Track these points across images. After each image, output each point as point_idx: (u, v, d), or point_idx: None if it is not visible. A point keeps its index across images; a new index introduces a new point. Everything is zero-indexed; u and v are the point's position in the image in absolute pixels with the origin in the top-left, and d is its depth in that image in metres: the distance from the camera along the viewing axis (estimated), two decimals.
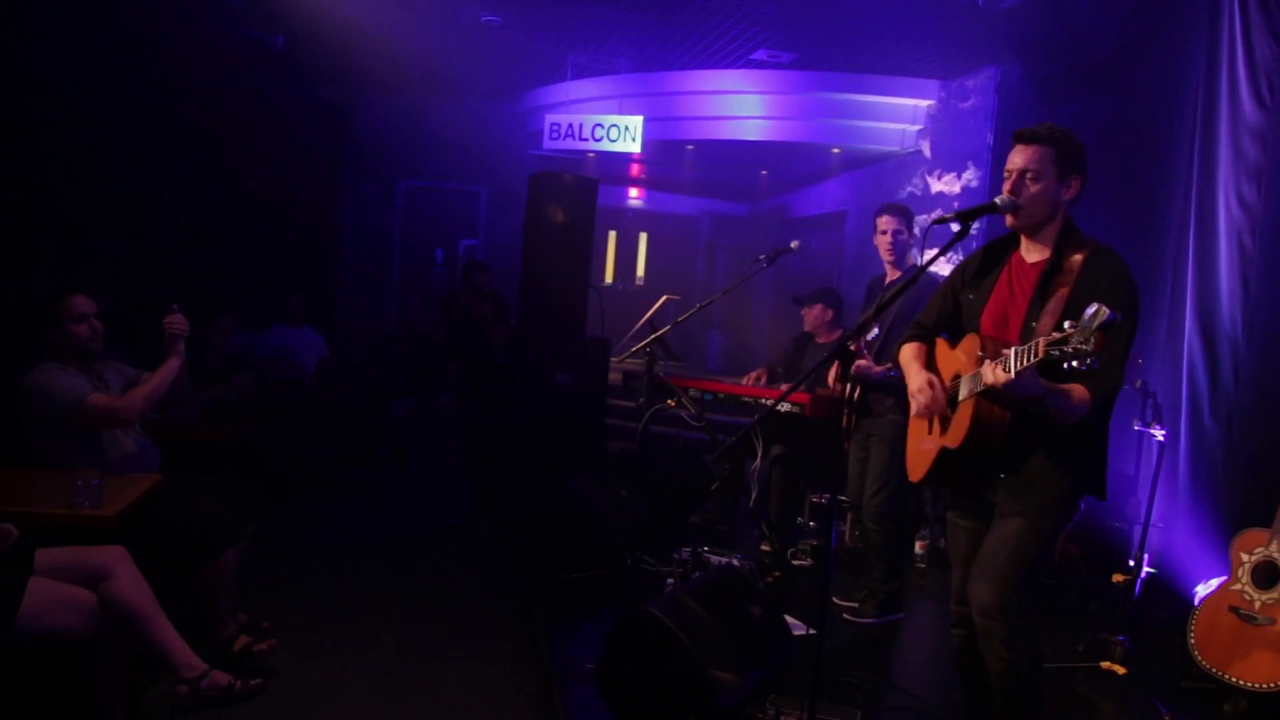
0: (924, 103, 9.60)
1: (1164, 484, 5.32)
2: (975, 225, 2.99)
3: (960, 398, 2.90)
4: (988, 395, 2.77)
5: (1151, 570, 5.27)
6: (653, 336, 5.38)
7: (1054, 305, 2.77)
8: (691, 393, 5.75)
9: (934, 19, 7.65)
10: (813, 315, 5.85)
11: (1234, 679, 3.99)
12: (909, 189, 9.74)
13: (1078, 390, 2.68)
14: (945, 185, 9.22)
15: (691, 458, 6.14)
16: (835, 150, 10.45)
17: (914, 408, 3.08)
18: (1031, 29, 6.11)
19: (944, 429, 2.99)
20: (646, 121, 10.36)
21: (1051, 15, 5.87)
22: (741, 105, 10.20)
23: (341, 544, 5.86)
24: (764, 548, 5.74)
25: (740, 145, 10.66)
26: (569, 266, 7.40)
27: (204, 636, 3.88)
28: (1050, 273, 2.86)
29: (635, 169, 13.60)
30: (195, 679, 3.46)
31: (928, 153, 9.54)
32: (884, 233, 4.77)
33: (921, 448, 3.18)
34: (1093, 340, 2.33)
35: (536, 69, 10.93)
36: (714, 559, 4.98)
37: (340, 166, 11.58)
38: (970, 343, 2.94)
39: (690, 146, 11.17)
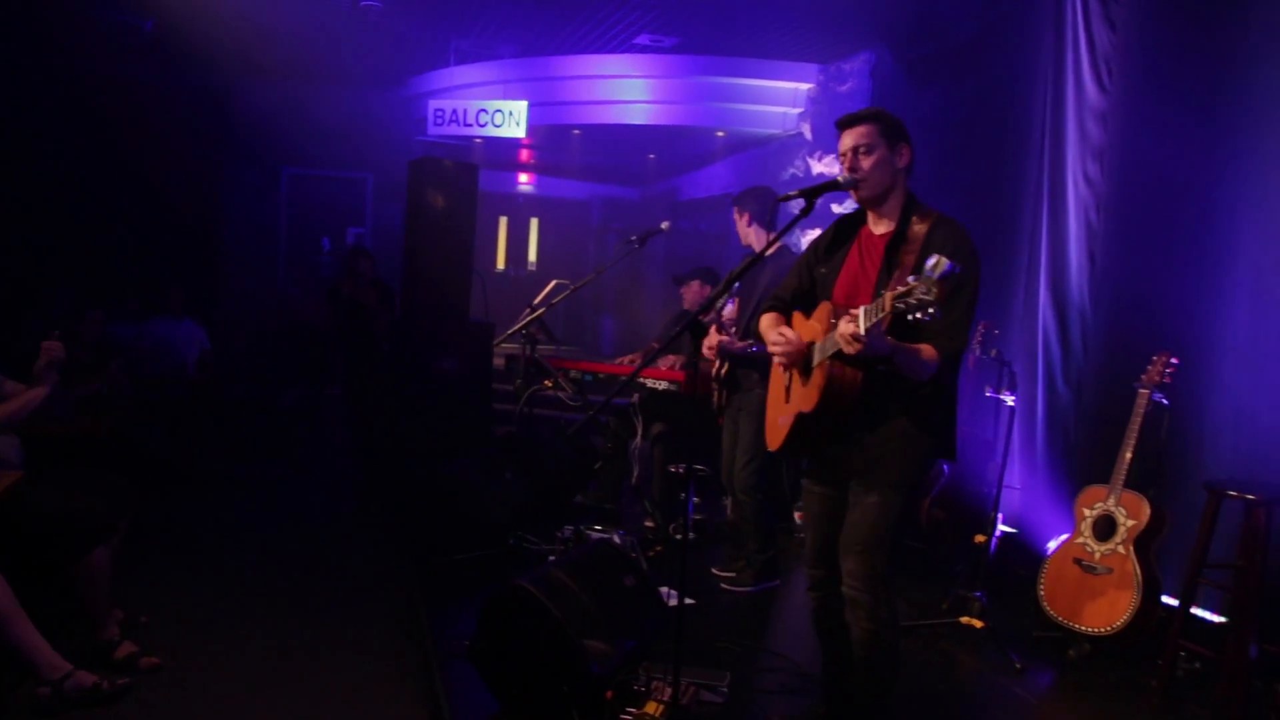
0: (804, 86, 9.81)
1: (1023, 448, 5.61)
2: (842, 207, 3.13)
3: (814, 363, 3.03)
4: (840, 358, 2.90)
5: (1011, 529, 5.56)
6: (528, 319, 5.43)
7: (900, 274, 2.91)
8: (571, 374, 5.83)
9: (810, 4, 7.84)
10: (691, 293, 5.99)
11: (1078, 625, 4.25)
12: (791, 170, 9.96)
13: (926, 349, 2.82)
14: (825, 166, 9.45)
15: (576, 439, 6.23)
16: (720, 133, 10.62)
17: (775, 360, 3.21)
18: (894, 13, 6.32)
19: (800, 397, 3.12)
20: (531, 106, 10.37)
21: (915, 1, 6.09)
22: (626, 89, 10.29)
23: (225, 537, 5.80)
24: (647, 524, 5.87)
25: (627, 129, 10.75)
26: (451, 252, 7.41)
27: (83, 637, 3.82)
28: (895, 242, 3.01)
29: (524, 154, 13.59)
30: (58, 680, 3.40)
31: (809, 135, 9.76)
32: (740, 216, 4.91)
33: (778, 419, 3.31)
34: (934, 290, 2.41)
35: (420, 54, 10.82)
36: (595, 535, 5.09)
37: (220, 154, 11.32)
38: (823, 310, 3.07)
39: (577, 131, 11.22)
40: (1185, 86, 4.70)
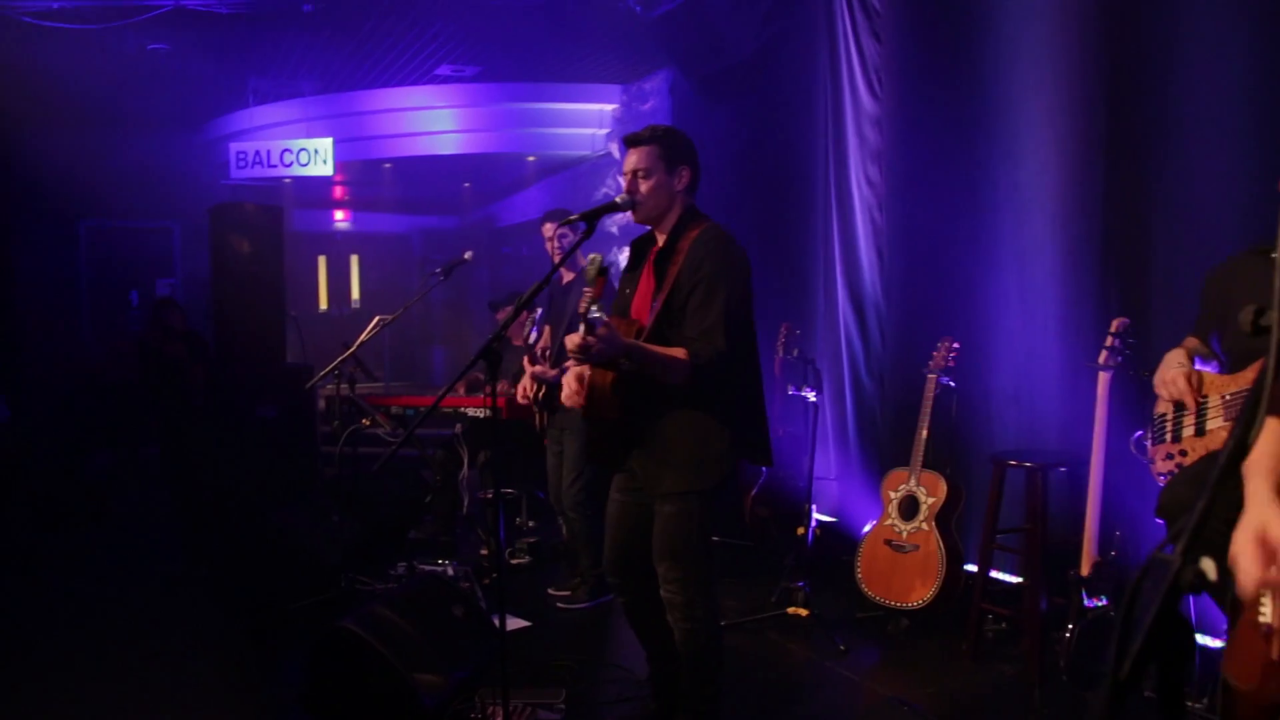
0: (608, 107, 10.02)
1: (837, 440, 5.89)
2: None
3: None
4: (593, 364, 3.05)
5: (831, 519, 5.82)
6: (342, 359, 5.38)
7: (666, 284, 3.07)
8: (393, 410, 5.80)
9: (605, 27, 8.03)
10: (505, 318, 6.03)
11: (894, 602, 4.51)
12: (604, 190, 10.14)
13: (675, 352, 2.98)
14: None
15: (404, 475, 6.20)
16: (531, 158, 10.74)
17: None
18: (681, 35, 6.57)
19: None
20: (338, 143, 10.24)
21: (696, 22, 6.34)
22: (434, 120, 10.29)
23: (42, 613, 5.49)
24: (483, 551, 5.88)
25: (438, 160, 10.75)
26: (262, 297, 7.25)
27: None
28: (663, 256, 3.16)
29: (338, 191, 13.38)
30: None
31: (617, 154, 9.96)
32: (550, 239, 5.00)
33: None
34: (593, 288, 2.84)
35: (217, 96, 10.54)
36: (427, 569, 5.09)
37: (9, 209, 10.70)
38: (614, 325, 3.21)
39: (388, 165, 11.14)
40: (945, 89, 5.06)
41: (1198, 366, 3.19)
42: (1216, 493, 1.00)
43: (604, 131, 10.11)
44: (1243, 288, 3.02)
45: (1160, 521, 2.90)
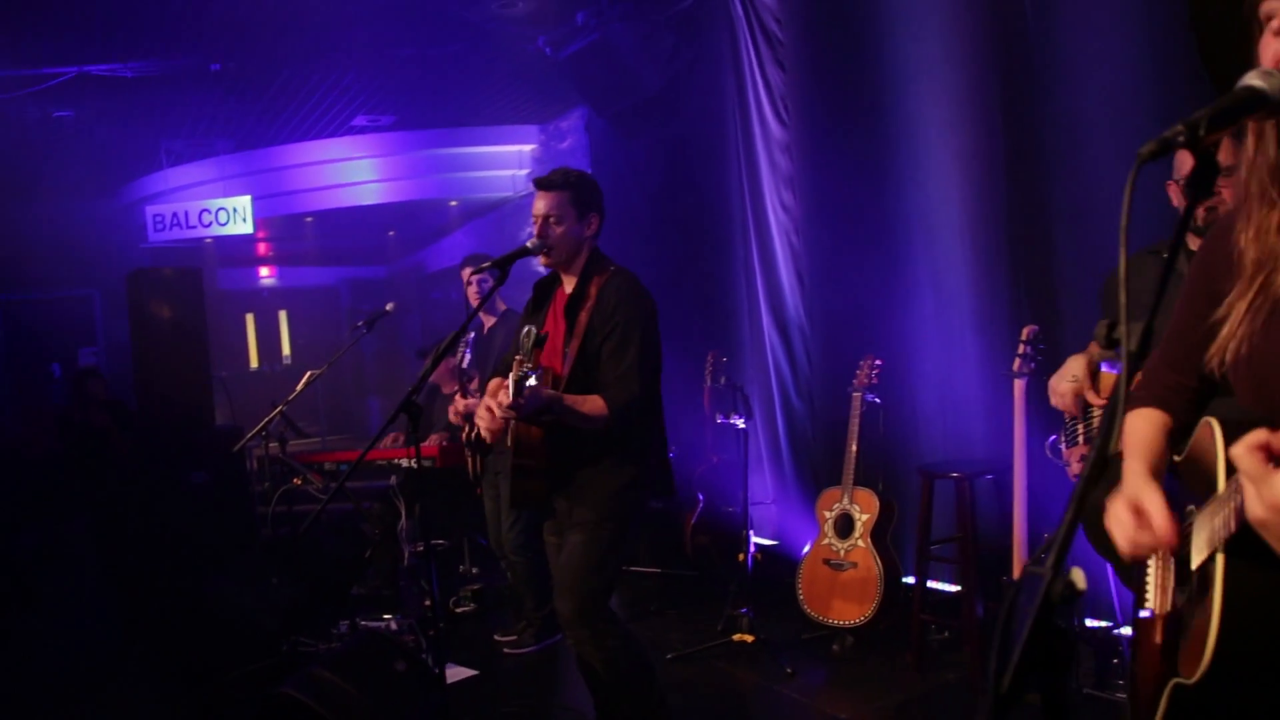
0: (527, 147, 10.07)
1: (772, 463, 5.94)
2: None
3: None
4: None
5: (772, 542, 5.87)
6: (269, 418, 5.32)
7: (579, 330, 3.11)
8: (327, 466, 5.74)
9: (517, 70, 8.08)
10: (439, 367, 6.00)
11: (837, 621, 4.55)
12: (528, 230, 10.07)
13: (594, 400, 3.03)
14: None
15: (343, 531, 6.11)
16: (453, 203, 10.74)
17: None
18: (591, 74, 6.64)
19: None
20: (257, 199, 10.15)
21: (604, 60, 6.42)
22: (353, 171, 10.25)
23: None
24: (427, 603, 5.81)
25: (360, 210, 10.70)
26: (186, 361, 7.14)
27: None
28: (574, 302, 3.20)
29: (262, 248, 13.24)
30: None
31: None
32: (469, 284, 5.02)
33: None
34: (532, 357, 2.97)
35: (130, 160, 10.40)
36: (371, 625, 5.02)
37: None
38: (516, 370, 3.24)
39: (309, 218, 11.06)
40: (850, 113, 5.18)
41: (1105, 368, 3.30)
42: (1081, 507, 1.04)
43: (524, 172, 10.14)
44: (1139, 288, 3.13)
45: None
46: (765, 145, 5.81)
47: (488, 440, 3.32)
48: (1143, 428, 1.63)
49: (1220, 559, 1.32)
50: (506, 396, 2.94)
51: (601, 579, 3.15)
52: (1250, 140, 1.39)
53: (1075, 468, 3.27)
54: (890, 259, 5.00)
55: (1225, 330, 1.44)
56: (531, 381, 2.97)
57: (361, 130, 9.97)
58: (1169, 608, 1.53)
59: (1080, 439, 3.28)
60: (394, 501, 5.68)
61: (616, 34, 6.25)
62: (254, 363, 14.66)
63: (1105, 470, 1.07)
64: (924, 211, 4.81)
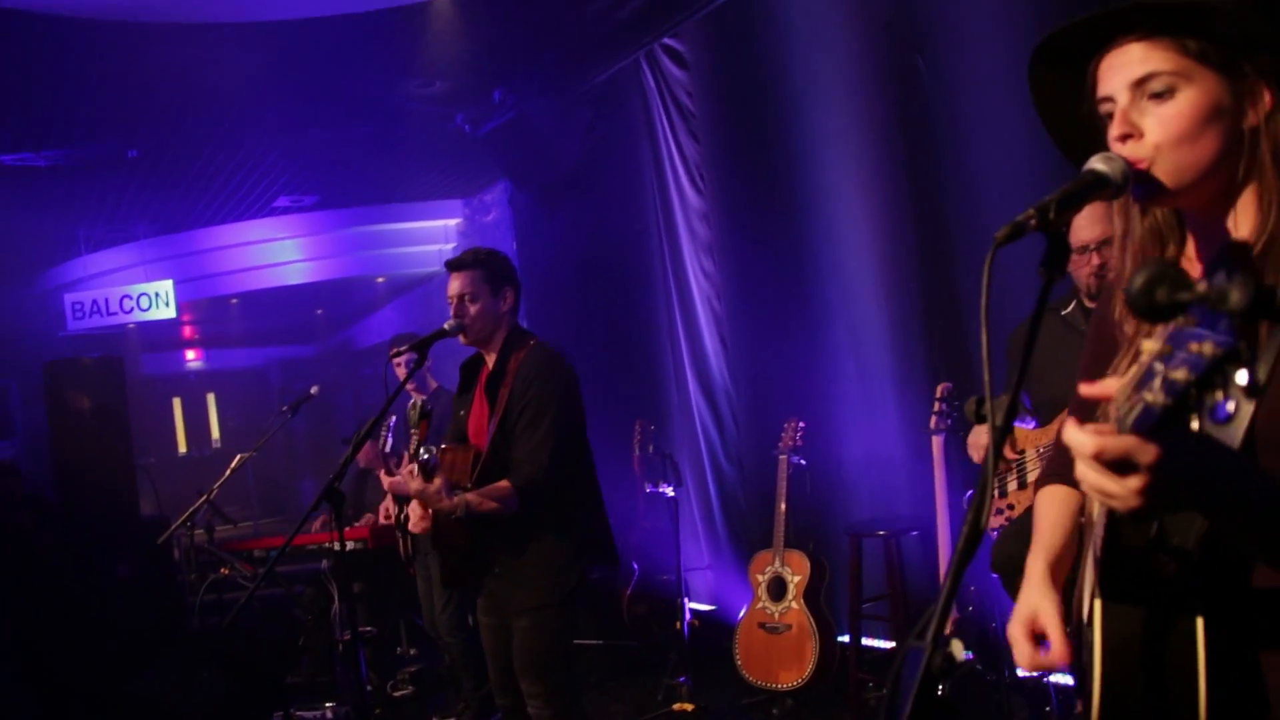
0: (452, 221, 10.12)
1: (706, 528, 5.96)
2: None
3: None
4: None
5: (710, 607, 5.86)
6: (194, 506, 5.22)
7: (499, 407, 3.12)
8: (256, 553, 5.64)
9: (438, 146, 8.15)
10: (365, 450, 5.95)
11: (775, 685, 4.55)
12: None
13: (499, 488, 3.03)
14: None
15: (275, 618, 5.99)
16: (380, 279, 10.72)
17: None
18: (510, 150, 6.73)
19: None
20: (180, 283, 10.03)
21: (522, 137, 6.52)
22: (277, 251, 10.20)
23: None
24: (367, 687, 5.69)
25: (286, 290, 10.62)
26: (108, 452, 6.97)
27: None
28: (494, 379, 3.22)
29: (187, 331, 13.06)
30: None
31: None
32: (398, 365, 5.00)
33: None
34: (418, 430, 3.12)
35: (47, 247, 10.23)
36: (306, 715, 4.91)
37: None
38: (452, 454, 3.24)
39: (234, 300, 10.95)
40: (763, 179, 5.32)
41: (1017, 423, 3.39)
42: (956, 583, 1.08)
43: (450, 246, 10.17)
44: (1043, 346, 3.24)
45: (995, 576, 3.04)
46: (684, 214, 5.92)
47: (417, 532, 3.31)
48: (1048, 512, 1.60)
49: (1098, 605, 1.34)
50: (418, 482, 2.92)
51: (563, 658, 3.15)
52: (1117, 216, 1.47)
53: (992, 521, 3.34)
54: (810, 321, 5.10)
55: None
56: (423, 455, 2.97)
57: (284, 211, 9.94)
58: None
59: (995, 492, 3.36)
60: (327, 586, 5.59)
61: (533, 110, 6.36)
62: (182, 448, 14.38)
63: (977, 547, 1.10)
64: (840, 274, 4.93)
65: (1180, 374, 0.88)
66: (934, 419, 3.88)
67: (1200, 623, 1.20)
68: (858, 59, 4.74)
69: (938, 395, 3.89)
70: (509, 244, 9.13)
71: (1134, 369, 0.96)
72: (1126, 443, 0.96)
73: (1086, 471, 1.01)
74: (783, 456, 4.66)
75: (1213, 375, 0.85)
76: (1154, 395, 0.91)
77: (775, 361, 5.36)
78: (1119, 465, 0.97)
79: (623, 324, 6.62)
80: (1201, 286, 0.85)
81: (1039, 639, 1.42)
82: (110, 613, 6.77)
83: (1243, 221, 1.31)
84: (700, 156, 5.78)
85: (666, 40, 5.91)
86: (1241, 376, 0.84)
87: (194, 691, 5.20)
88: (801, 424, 4.68)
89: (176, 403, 14.32)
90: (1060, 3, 3.76)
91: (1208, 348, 0.85)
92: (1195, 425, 0.89)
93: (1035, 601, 1.44)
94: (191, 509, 5.24)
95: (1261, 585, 1.22)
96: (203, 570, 5.23)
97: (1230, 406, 0.85)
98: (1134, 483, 0.98)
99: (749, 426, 5.66)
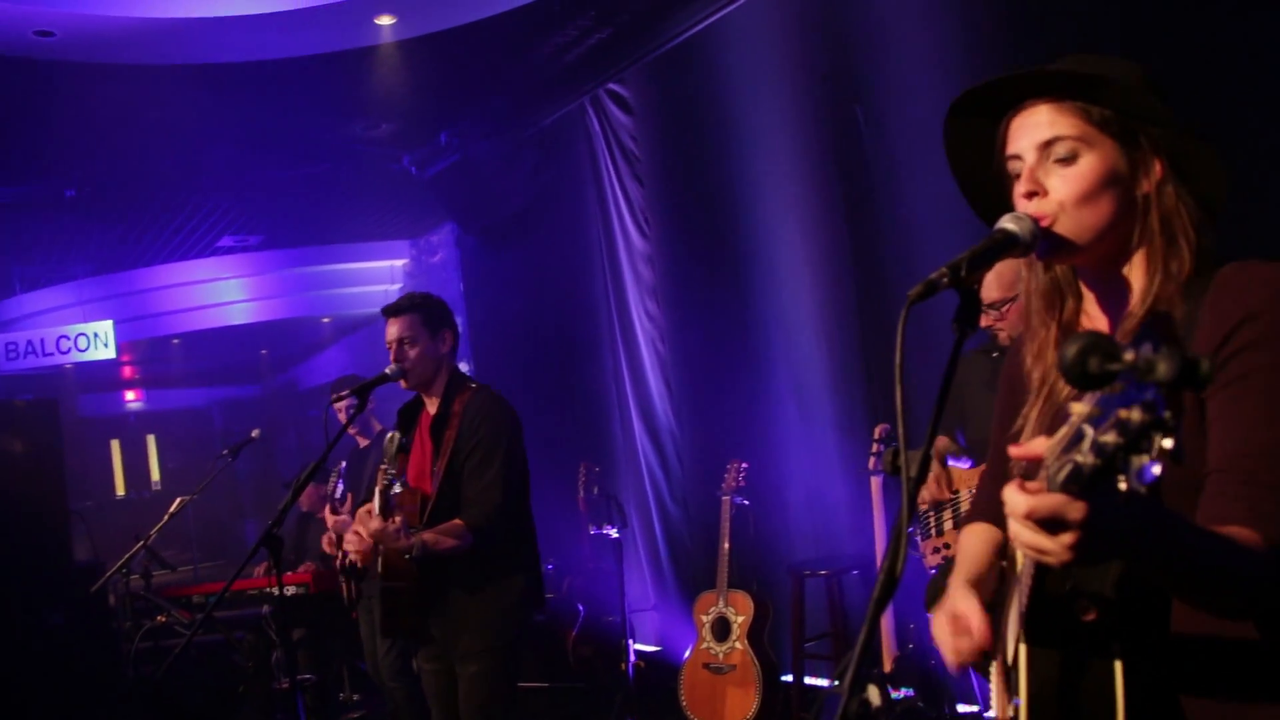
0: (399, 262, 10.10)
1: (652, 568, 5.98)
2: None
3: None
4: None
5: (656, 648, 5.86)
6: (131, 552, 5.13)
7: (445, 450, 3.13)
8: (195, 598, 5.55)
9: (385, 188, 8.16)
10: (307, 494, 5.90)
11: None
12: None
13: (454, 526, 3.04)
14: None
15: (214, 665, 5.87)
16: (325, 319, 10.65)
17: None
18: (456, 192, 6.77)
19: None
20: (120, 323, 9.86)
21: (468, 180, 6.56)
22: (220, 291, 10.10)
23: None
24: None
25: (229, 330, 10.51)
26: (42, 496, 6.80)
27: None
28: (438, 423, 3.23)
29: (127, 371, 12.85)
30: None
31: None
32: (339, 410, 4.98)
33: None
34: (395, 463, 3.10)
35: None
36: None
37: None
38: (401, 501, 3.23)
39: (176, 340, 10.81)
40: (706, 222, 5.41)
41: (950, 463, 3.46)
42: (874, 627, 1.12)
43: (396, 286, 10.14)
44: (975, 387, 3.33)
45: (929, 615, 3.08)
46: (628, 256, 5.98)
47: (359, 564, 3.29)
48: (970, 545, 1.69)
49: (1023, 650, 1.39)
50: (376, 521, 2.91)
51: (510, 701, 3.15)
52: (1025, 272, 1.54)
53: (930, 559, 3.40)
54: (753, 363, 5.17)
55: (1022, 440, 1.56)
56: (396, 489, 2.98)
57: (228, 251, 9.86)
58: (1006, 714, 1.60)
59: (933, 531, 3.42)
60: (267, 631, 5.51)
61: (479, 153, 6.41)
62: (120, 490, 14.07)
63: (892, 594, 1.14)
64: (782, 316, 5.00)
65: (1109, 437, 0.92)
66: (872, 460, 3.95)
67: (1119, 666, 1.24)
68: (798, 108, 4.85)
69: (875, 436, 3.96)
70: (456, 285, 9.15)
71: (1064, 429, 1.00)
72: (1055, 501, 1.00)
73: (1020, 530, 1.05)
74: (726, 497, 4.70)
75: (1140, 440, 0.90)
76: (1084, 456, 0.95)
77: (719, 403, 5.42)
78: (1050, 524, 1.01)
79: (568, 365, 6.65)
80: (1129, 356, 0.89)
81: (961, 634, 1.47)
82: (39, 662, 6.60)
83: (1135, 281, 1.38)
84: (645, 200, 5.86)
85: (611, 85, 6.00)
86: (1168, 443, 0.89)
87: None
88: (744, 465, 4.72)
89: (115, 444, 14.03)
90: (992, 58, 3.90)
91: (1136, 414, 0.89)
92: (1123, 486, 0.94)
93: (956, 598, 1.50)
94: (127, 555, 5.16)
95: (1182, 630, 1.27)
96: (138, 617, 5.13)
97: (1156, 470, 0.90)
98: (1066, 539, 1.02)
99: (694, 467, 5.71)
